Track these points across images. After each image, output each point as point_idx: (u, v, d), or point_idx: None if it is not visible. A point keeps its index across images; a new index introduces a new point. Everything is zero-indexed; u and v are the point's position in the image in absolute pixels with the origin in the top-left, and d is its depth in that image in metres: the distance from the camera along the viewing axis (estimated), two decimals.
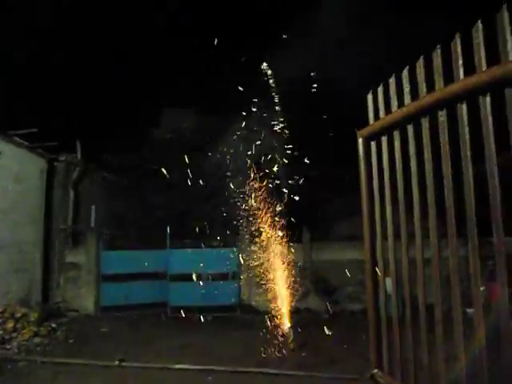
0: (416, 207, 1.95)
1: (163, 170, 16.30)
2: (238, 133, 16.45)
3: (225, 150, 16.51)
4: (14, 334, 9.10)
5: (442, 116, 1.64)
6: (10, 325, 9.31)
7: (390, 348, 2.03)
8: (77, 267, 12.82)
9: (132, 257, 12.59)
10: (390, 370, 1.99)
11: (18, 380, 6.63)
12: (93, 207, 13.49)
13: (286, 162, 16.48)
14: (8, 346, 8.52)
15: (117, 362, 7.19)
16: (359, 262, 11.14)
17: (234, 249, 12.35)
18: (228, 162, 15.96)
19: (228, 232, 12.98)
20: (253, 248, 12.49)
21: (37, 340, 9.06)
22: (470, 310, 1.86)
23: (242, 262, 12.42)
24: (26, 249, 11.90)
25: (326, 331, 9.64)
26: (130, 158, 16.58)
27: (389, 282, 2.12)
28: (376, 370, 2.03)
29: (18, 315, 9.81)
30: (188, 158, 16.61)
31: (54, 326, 10.20)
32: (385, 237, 2.21)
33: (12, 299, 10.92)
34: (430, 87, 1.66)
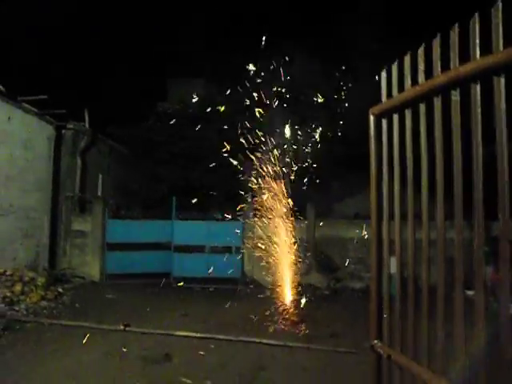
0: (424, 187, 1.97)
1: (171, 141, 16.30)
2: (246, 103, 16.28)
3: (232, 122, 16.42)
4: (22, 297, 9.35)
5: (455, 96, 1.64)
6: (18, 288, 9.55)
7: (390, 321, 2.09)
8: (83, 235, 13.02)
9: (137, 226, 12.75)
10: (389, 342, 2.06)
11: (27, 339, 6.86)
12: (100, 176, 13.58)
13: (294, 137, 16.39)
14: (16, 308, 8.76)
15: (122, 327, 7.41)
16: (362, 240, 11.29)
17: (239, 222, 12.46)
18: (235, 134, 15.90)
19: (233, 205, 13.06)
20: (257, 222, 12.60)
21: (44, 303, 9.31)
22: (469, 292, 1.90)
23: (247, 235, 12.56)
24: (33, 215, 12.08)
25: (327, 306, 9.82)
26: (137, 129, 16.57)
27: (393, 261, 2.16)
28: (376, 341, 2.10)
29: (26, 279, 10.05)
30: (194, 130, 16.57)
31: (60, 290, 10.45)
32: (391, 216, 2.23)
33: (20, 264, 11.15)
34: (446, 67, 1.66)
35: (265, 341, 6.93)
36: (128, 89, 19.08)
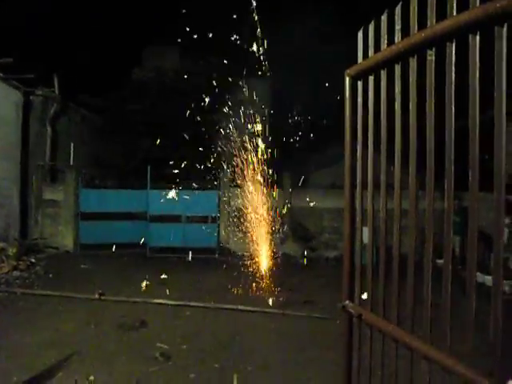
0: (397, 153, 1.96)
1: (145, 111, 15.94)
2: (223, 76, 16.02)
3: (209, 92, 16.15)
4: None
5: (431, 55, 1.62)
6: None
7: (361, 284, 2.13)
8: (55, 204, 12.76)
9: (112, 196, 12.56)
10: (360, 302, 2.10)
11: None
12: (72, 145, 13.21)
13: (271, 108, 16.26)
14: None
15: (97, 296, 7.38)
16: (337, 210, 11.42)
17: (215, 192, 12.43)
18: (212, 105, 15.67)
19: (209, 175, 12.99)
20: (233, 192, 12.61)
21: (16, 274, 9.17)
22: (439, 261, 1.94)
23: (223, 205, 12.56)
24: (2, 184, 11.71)
25: (302, 275, 10.02)
26: (111, 98, 16.11)
27: (366, 231, 2.18)
28: (347, 302, 2.14)
29: None
30: (170, 100, 16.23)
31: (33, 261, 10.30)
32: (365, 185, 2.23)
33: None
34: (424, 25, 1.63)
35: (241, 307, 7.04)
36: (101, 55, 18.41)
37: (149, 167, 12.16)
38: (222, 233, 12.61)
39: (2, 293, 7.71)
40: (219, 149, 14.43)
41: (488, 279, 8.12)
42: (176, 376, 4.62)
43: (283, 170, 12.63)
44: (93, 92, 16.02)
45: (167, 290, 8.04)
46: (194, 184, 12.69)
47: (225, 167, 12.57)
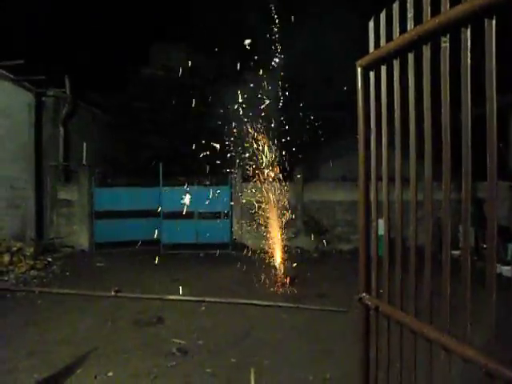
0: (412, 143, 1.94)
1: (154, 108, 15.99)
2: (232, 72, 15.99)
3: (218, 89, 16.14)
4: (11, 267, 9.33)
5: (445, 42, 1.60)
6: (6, 258, 9.51)
7: (378, 276, 2.12)
8: (70, 204, 12.91)
9: (125, 194, 12.66)
10: (377, 294, 2.09)
11: (18, 308, 6.89)
12: (84, 144, 13.33)
13: (282, 102, 16.19)
14: (6, 278, 8.75)
15: (113, 293, 7.47)
16: (349, 203, 11.38)
17: (227, 187, 12.44)
18: (221, 101, 15.67)
19: (222, 171, 13.00)
20: (246, 187, 12.61)
21: (33, 273, 9.31)
22: (455, 252, 1.92)
23: (235, 200, 12.58)
24: (17, 185, 11.88)
25: (315, 268, 10.00)
26: (120, 97, 16.19)
27: (381, 223, 2.16)
28: (364, 294, 2.13)
29: (14, 249, 10.00)
30: (179, 97, 16.25)
31: (49, 260, 10.45)
32: (379, 177, 2.21)
33: (6, 235, 11.05)
34: (437, 13, 1.60)
35: (255, 302, 7.06)
36: (109, 54, 18.48)
37: (160, 165, 12.21)
38: (235, 228, 12.64)
39: (20, 292, 7.84)
40: (230, 144, 14.44)
41: (505, 269, 8.03)
42: (193, 371, 4.66)
43: (295, 163, 12.59)
44: (102, 90, 16.12)
45: (181, 286, 8.10)
46: (205, 180, 12.72)
47: (236, 162, 12.57)
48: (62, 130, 13.27)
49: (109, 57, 18.27)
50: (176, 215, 12.51)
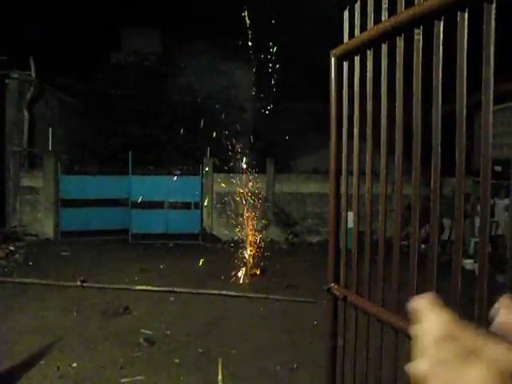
0: (383, 137, 1.94)
1: (125, 95, 15.63)
2: (205, 61, 15.79)
3: (191, 76, 15.92)
4: None
5: (418, 34, 1.60)
6: None
7: (347, 267, 2.13)
8: (34, 191, 12.49)
9: (93, 182, 12.35)
10: (346, 284, 2.11)
11: None
12: (50, 130, 12.87)
13: (256, 93, 16.13)
14: None
15: (79, 283, 7.29)
16: (320, 195, 11.43)
17: (198, 177, 12.33)
18: (194, 89, 15.47)
19: (192, 161, 12.89)
20: (216, 177, 12.54)
21: None
22: (423, 246, 1.93)
23: (206, 190, 12.49)
24: None
25: (285, 260, 10.08)
26: (90, 81, 15.72)
27: (351, 215, 2.17)
28: (333, 284, 2.14)
29: None
30: (151, 84, 15.93)
31: (12, 248, 10.10)
32: (351, 170, 2.21)
33: None
34: (412, 3, 1.60)
35: (224, 292, 7.06)
36: (78, 37, 17.89)
37: (130, 153, 11.96)
38: (205, 218, 12.56)
39: None
40: (202, 134, 14.28)
41: (467, 263, 8.32)
42: (160, 361, 4.62)
43: (267, 155, 12.60)
44: (71, 75, 15.61)
45: (150, 277, 8.01)
46: (176, 169, 12.57)
47: (208, 152, 12.46)
48: (26, 114, 12.78)
49: (79, 41, 17.70)
50: (146, 205, 12.32)
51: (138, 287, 7.23)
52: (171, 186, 12.10)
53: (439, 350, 0.44)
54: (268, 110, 15.18)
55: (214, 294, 7.02)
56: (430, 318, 0.47)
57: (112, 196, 12.54)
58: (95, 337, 5.23)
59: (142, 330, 5.42)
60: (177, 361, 4.62)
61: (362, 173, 2.13)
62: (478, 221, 1.78)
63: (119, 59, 17.13)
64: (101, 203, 12.43)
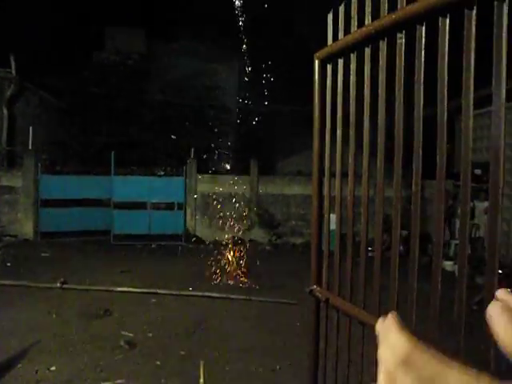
0: (366, 139, 1.95)
1: (108, 94, 15.46)
2: (188, 60, 15.72)
3: (174, 77, 15.82)
4: None
5: (401, 38, 1.61)
6: None
7: (329, 269, 2.14)
8: (13, 191, 12.23)
9: (74, 182, 12.15)
10: (328, 287, 2.11)
11: None
12: (30, 128, 12.63)
13: (241, 95, 16.12)
14: None
15: (58, 285, 7.16)
16: (303, 197, 11.47)
17: (182, 178, 12.24)
18: (178, 89, 15.39)
19: (176, 161, 12.80)
20: (200, 178, 12.48)
21: None
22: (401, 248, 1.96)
23: (189, 191, 12.41)
24: None
25: (268, 261, 10.07)
26: (73, 81, 15.50)
27: (333, 218, 2.18)
28: (315, 286, 2.15)
29: None
30: (134, 83, 15.78)
31: None
32: (333, 172, 2.22)
33: None
34: (395, 8, 1.61)
35: (207, 294, 7.02)
36: (61, 35, 17.64)
37: (113, 152, 11.82)
38: (189, 219, 12.48)
39: None
40: (186, 134, 14.20)
41: (447, 264, 8.44)
42: (141, 364, 4.56)
43: (251, 157, 12.60)
44: (53, 74, 15.37)
45: (132, 278, 7.92)
46: (159, 170, 12.48)
47: (192, 153, 12.40)
48: (6, 112, 12.53)
49: (62, 39, 17.44)
50: (128, 205, 12.18)
51: (119, 289, 7.14)
52: (154, 186, 11.99)
53: (400, 376, 0.44)
54: (253, 111, 15.19)
55: (197, 296, 6.98)
56: (391, 341, 0.47)
57: (94, 196, 12.37)
58: (75, 339, 5.15)
59: (123, 333, 5.35)
60: (158, 363, 4.58)
61: (345, 175, 2.14)
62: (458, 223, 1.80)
63: (103, 58, 16.95)
64: (82, 203, 12.25)
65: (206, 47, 16.32)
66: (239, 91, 16.24)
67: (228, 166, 10.55)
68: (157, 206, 12.40)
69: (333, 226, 2.16)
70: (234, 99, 15.95)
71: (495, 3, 1.25)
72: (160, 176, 12.19)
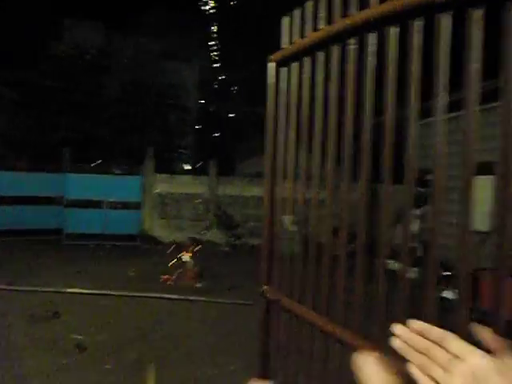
0: (317, 143, 1.98)
1: (66, 88, 14.94)
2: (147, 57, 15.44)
3: (134, 73, 15.51)
4: None
5: (352, 45, 1.65)
6: None
7: (279, 269, 2.15)
8: None
9: (25, 179, 11.64)
10: (279, 287, 2.13)
11: None
12: None
13: (201, 95, 16.00)
14: None
15: (4, 285, 6.83)
16: (262, 198, 11.50)
17: (139, 177, 11.99)
18: (137, 86, 15.08)
19: (133, 159, 12.53)
20: (158, 178, 12.27)
21: None
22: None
23: (146, 191, 12.17)
24: None
25: (226, 262, 10.05)
26: (26, 72, 14.86)
27: (286, 219, 2.19)
28: (266, 287, 2.15)
29: None
30: (92, 77, 15.33)
31: None
32: (286, 173, 2.24)
33: None
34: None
35: (162, 295, 6.91)
36: (16, 25, 16.89)
37: (67, 149, 11.41)
38: (145, 219, 12.24)
39: None
40: (145, 132, 13.95)
41: (392, 264, 8.74)
42: (91, 368, 4.42)
43: (210, 157, 12.53)
44: (7, 66, 14.70)
45: (84, 279, 7.67)
46: (116, 168, 12.17)
47: (150, 152, 12.17)
48: None
49: (17, 29, 16.70)
50: (82, 203, 11.81)
51: (70, 290, 6.90)
52: (110, 185, 11.68)
53: None
54: (214, 112, 15.13)
55: (151, 297, 6.85)
56: (370, 378, 0.48)
57: (46, 194, 11.91)
58: (21, 343, 4.92)
59: (73, 336, 5.17)
60: (108, 367, 4.45)
61: (298, 177, 2.16)
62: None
63: (60, 50, 16.36)
64: (33, 201, 11.76)
65: (168, 45, 16.12)
66: (200, 91, 16.13)
67: (187, 166, 10.44)
68: (113, 205, 12.07)
69: (288, 227, 2.18)
70: (195, 99, 15.81)
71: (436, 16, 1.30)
72: (117, 174, 11.89)
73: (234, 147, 15.47)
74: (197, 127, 14.87)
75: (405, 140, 1.57)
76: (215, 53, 16.40)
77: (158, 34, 16.32)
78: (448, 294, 6.03)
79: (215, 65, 16.19)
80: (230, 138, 15.16)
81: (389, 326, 0.53)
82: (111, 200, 11.93)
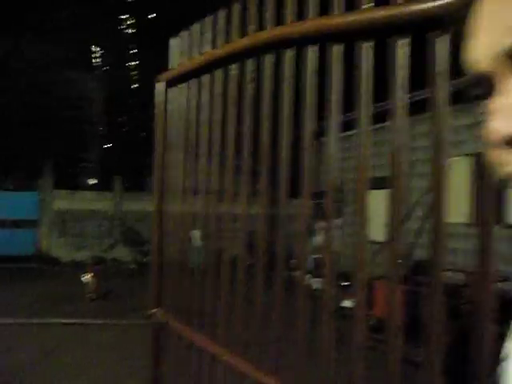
0: (203, 161, 2.01)
1: None
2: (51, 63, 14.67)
3: (39, 80, 14.63)
4: None
5: (234, 69, 1.70)
6: None
7: (170, 290, 2.12)
8: None
9: None
10: (167, 309, 2.09)
11: None
12: None
13: (107, 108, 15.46)
14: None
15: None
16: (172, 214, 11.33)
17: (35, 193, 11.12)
18: (41, 94, 14.21)
19: (28, 174, 11.64)
20: (57, 193, 11.49)
21: None
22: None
23: (44, 208, 11.33)
24: None
25: (132, 281, 9.67)
26: None
27: (194, 234, 2.20)
28: (156, 309, 2.11)
29: None
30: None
31: None
32: (177, 190, 2.24)
33: None
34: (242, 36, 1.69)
35: (56, 320, 6.44)
36: None
37: None
38: (42, 238, 11.35)
39: None
40: (45, 144, 13.12)
41: (315, 281, 9.06)
42: None
43: (114, 171, 12.05)
44: None
45: None
46: (9, 183, 11.21)
47: (49, 165, 11.39)
48: None
49: None
50: None
51: None
52: (3, 201, 10.69)
53: None
54: (122, 125, 14.72)
55: (47, 324, 6.35)
56: None
57: None
58: None
59: None
60: None
61: (200, 192, 2.16)
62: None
63: None
64: None
65: (75, 54, 15.42)
66: (107, 104, 15.58)
67: (91, 181, 9.95)
68: (2, 224, 11.00)
69: (196, 243, 2.18)
70: (102, 112, 15.25)
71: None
72: (9, 190, 10.92)
73: (144, 161, 15.05)
74: (103, 140, 14.32)
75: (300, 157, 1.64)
76: (126, 63, 16.02)
77: (61, 41, 15.52)
78: (347, 303, 6.39)
79: (123, 75, 15.79)
80: (138, 151, 14.78)
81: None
82: (2, 218, 10.88)
